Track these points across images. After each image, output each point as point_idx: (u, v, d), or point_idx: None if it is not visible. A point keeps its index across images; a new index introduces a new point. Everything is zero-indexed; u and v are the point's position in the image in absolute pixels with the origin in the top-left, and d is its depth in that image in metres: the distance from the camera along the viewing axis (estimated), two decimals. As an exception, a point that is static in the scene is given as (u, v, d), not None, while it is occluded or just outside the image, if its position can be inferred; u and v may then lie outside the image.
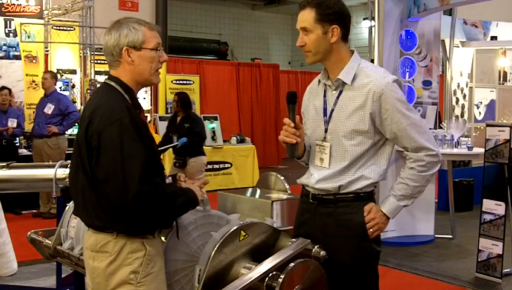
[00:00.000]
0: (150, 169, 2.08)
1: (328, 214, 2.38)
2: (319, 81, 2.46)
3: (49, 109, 7.53)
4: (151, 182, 2.07)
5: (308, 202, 2.45)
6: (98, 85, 10.08)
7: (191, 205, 2.22)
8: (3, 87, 7.99)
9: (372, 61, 6.14)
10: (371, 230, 2.34)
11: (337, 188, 2.35)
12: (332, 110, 2.37)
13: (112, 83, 2.20)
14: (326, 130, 2.38)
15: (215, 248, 2.16)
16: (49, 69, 10.42)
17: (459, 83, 9.36)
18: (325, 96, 2.42)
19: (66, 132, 7.90)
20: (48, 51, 10.46)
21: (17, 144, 8.28)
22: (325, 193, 2.38)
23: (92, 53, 10.20)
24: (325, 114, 2.40)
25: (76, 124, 8.49)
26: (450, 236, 6.53)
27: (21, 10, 9.65)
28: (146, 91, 11.30)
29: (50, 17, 10.73)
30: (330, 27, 2.29)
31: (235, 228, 2.22)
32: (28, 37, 9.69)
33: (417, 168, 2.31)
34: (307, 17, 2.31)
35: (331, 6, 2.29)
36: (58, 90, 9.81)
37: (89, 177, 2.12)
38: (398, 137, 2.31)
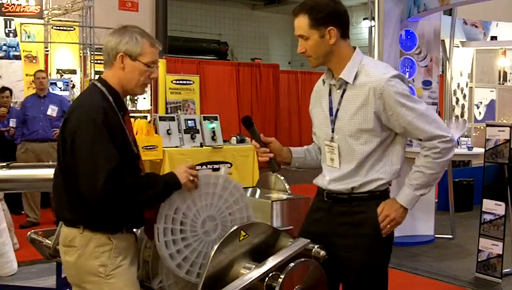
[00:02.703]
0: (119, 169, 2.14)
1: (343, 212, 2.38)
2: (324, 81, 2.46)
3: (52, 111, 7.20)
4: (119, 180, 2.13)
5: (322, 200, 2.45)
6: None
7: (172, 188, 2.20)
8: (5, 88, 7.93)
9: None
10: (388, 226, 2.34)
11: (350, 189, 2.35)
12: (338, 110, 2.36)
13: (99, 84, 2.30)
14: (333, 130, 2.38)
15: (215, 249, 2.15)
16: (48, 69, 10.44)
17: (459, 83, 9.36)
18: (330, 95, 2.41)
19: None
20: (47, 51, 10.46)
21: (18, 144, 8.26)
22: (339, 192, 2.39)
23: (92, 53, 10.19)
24: (331, 114, 2.39)
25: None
26: (450, 236, 6.53)
27: (21, 10, 9.64)
28: (146, 91, 11.28)
29: (50, 17, 10.74)
30: (326, 29, 2.27)
31: (235, 228, 2.22)
32: (28, 37, 9.69)
33: (432, 156, 2.28)
34: (301, 24, 2.29)
35: (323, 8, 2.27)
36: (58, 90, 9.85)
37: (63, 172, 2.24)
38: (408, 130, 2.30)
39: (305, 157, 2.59)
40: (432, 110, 2.37)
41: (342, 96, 2.35)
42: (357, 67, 2.32)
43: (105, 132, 2.14)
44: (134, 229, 2.41)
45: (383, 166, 2.34)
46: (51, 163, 4.03)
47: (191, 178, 2.23)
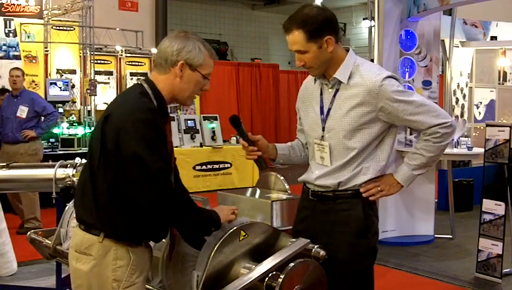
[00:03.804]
0: (169, 173, 2.07)
1: (327, 210, 2.40)
2: (315, 80, 2.47)
3: (22, 112, 6.66)
4: (170, 184, 2.06)
5: (307, 199, 2.48)
6: (98, 85, 9.88)
7: (212, 225, 2.16)
8: (4, 91, 7.91)
9: (372, 61, 6.15)
10: (376, 189, 2.36)
11: (336, 184, 2.37)
12: (330, 109, 2.38)
13: (145, 86, 2.16)
14: (323, 129, 2.40)
15: (215, 249, 2.15)
16: (48, 69, 10.45)
17: (458, 83, 9.36)
18: (321, 94, 2.43)
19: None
20: (47, 51, 10.46)
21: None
22: (324, 189, 2.40)
23: (92, 53, 10.20)
24: (322, 113, 2.41)
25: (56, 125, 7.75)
26: (450, 236, 6.53)
27: (21, 10, 9.64)
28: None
29: (50, 17, 10.74)
30: (323, 39, 2.27)
31: (235, 228, 2.22)
32: (28, 37, 9.69)
33: (432, 140, 2.34)
34: (297, 39, 2.27)
35: (315, 20, 2.25)
36: (58, 90, 9.85)
37: (93, 171, 2.10)
38: (410, 122, 2.35)
39: (289, 154, 2.63)
40: (428, 100, 2.42)
41: (334, 96, 2.37)
42: (351, 68, 2.35)
43: (153, 131, 2.03)
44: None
45: (370, 161, 2.37)
46: (50, 163, 4.03)
47: (231, 214, 2.24)
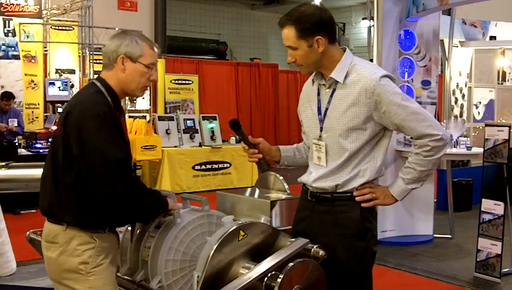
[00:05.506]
0: (128, 161, 2.27)
1: (326, 211, 2.40)
2: (313, 81, 2.48)
3: None
4: (129, 172, 2.24)
5: (306, 199, 2.48)
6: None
7: (161, 207, 2.36)
8: (9, 95, 7.90)
9: (371, 61, 6.15)
10: (374, 195, 2.36)
11: (334, 187, 2.37)
12: (327, 109, 2.39)
13: (98, 84, 2.34)
14: (321, 129, 2.40)
15: (214, 249, 2.16)
16: (47, 69, 10.45)
17: (458, 83, 9.37)
18: (319, 95, 2.44)
19: None
20: (46, 50, 10.46)
21: (17, 144, 8.27)
22: (323, 191, 2.40)
23: (91, 53, 10.20)
24: (319, 113, 2.42)
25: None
26: (449, 236, 6.53)
27: (20, 10, 9.64)
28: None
29: (49, 17, 10.75)
30: (314, 39, 2.28)
31: (234, 227, 2.22)
32: (27, 36, 9.69)
33: (423, 153, 2.32)
34: (289, 35, 2.31)
35: (309, 19, 2.27)
36: (57, 90, 9.86)
37: (56, 167, 2.28)
38: (400, 128, 2.34)
39: (294, 155, 2.64)
40: (424, 109, 2.41)
41: (331, 96, 2.38)
42: (347, 68, 2.35)
43: (110, 123, 2.20)
44: (122, 231, 2.50)
45: (367, 162, 2.37)
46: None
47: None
